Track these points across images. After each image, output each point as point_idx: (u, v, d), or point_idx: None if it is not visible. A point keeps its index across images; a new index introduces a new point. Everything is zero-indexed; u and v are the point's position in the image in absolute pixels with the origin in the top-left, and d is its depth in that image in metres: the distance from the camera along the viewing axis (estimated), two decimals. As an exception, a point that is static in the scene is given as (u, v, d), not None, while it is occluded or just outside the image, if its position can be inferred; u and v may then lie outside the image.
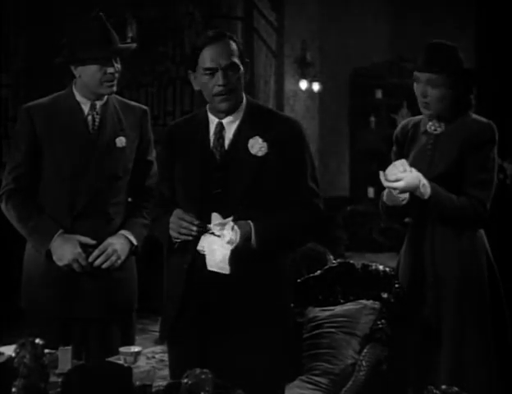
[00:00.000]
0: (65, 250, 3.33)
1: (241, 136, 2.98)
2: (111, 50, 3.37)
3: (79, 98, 3.43)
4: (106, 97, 3.43)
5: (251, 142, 2.95)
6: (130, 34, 7.45)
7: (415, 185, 3.15)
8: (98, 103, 3.43)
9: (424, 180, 3.17)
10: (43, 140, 3.41)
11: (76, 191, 3.39)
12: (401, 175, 3.14)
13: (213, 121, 3.02)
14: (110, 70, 3.35)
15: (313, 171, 3.05)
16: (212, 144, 3.01)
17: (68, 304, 3.39)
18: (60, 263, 3.34)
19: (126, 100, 3.58)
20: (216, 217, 2.91)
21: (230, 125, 3.01)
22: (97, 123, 3.42)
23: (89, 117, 3.42)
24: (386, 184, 3.15)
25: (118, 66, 3.39)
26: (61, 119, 3.42)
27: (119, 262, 3.39)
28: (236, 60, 2.95)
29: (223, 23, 8.70)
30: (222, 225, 2.88)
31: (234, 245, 2.86)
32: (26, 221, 3.40)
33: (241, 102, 3.02)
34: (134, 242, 3.45)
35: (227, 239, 2.88)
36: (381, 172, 3.14)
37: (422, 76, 3.31)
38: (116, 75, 3.38)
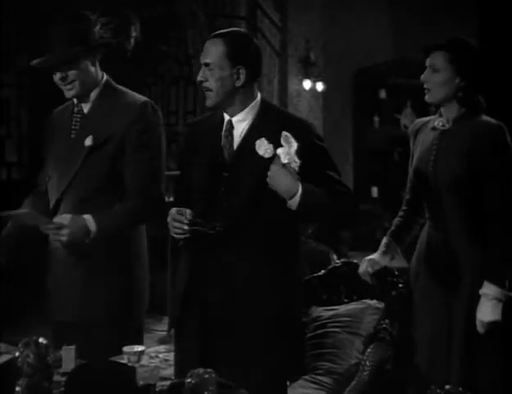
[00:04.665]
0: None
1: (250, 136, 2.99)
2: (43, 61, 3.33)
3: (74, 99, 3.45)
4: (92, 96, 3.39)
5: (257, 143, 2.94)
6: (133, 34, 7.43)
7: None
8: (83, 104, 3.40)
9: None
10: (46, 143, 3.49)
11: (59, 190, 3.36)
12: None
13: (226, 118, 3.05)
14: (56, 77, 3.34)
15: (335, 167, 3.03)
16: (222, 142, 3.03)
17: (54, 308, 3.39)
18: None
19: (129, 95, 3.43)
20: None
21: (240, 125, 3.02)
22: (78, 123, 3.40)
23: (73, 116, 3.42)
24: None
25: (66, 73, 3.32)
26: (59, 120, 3.48)
27: (63, 238, 3.20)
28: (213, 60, 2.97)
29: (226, 23, 8.69)
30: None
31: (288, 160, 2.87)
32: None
33: (237, 100, 3.01)
34: (91, 228, 3.21)
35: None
36: None
37: (427, 63, 3.32)
38: (66, 81, 3.32)
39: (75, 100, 3.42)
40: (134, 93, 3.44)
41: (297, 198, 2.86)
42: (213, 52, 2.98)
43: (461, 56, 3.28)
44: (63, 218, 3.20)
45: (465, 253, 3.26)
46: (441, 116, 3.37)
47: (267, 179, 2.88)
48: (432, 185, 3.32)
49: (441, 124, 3.35)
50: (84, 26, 3.36)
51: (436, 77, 3.29)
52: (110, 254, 3.30)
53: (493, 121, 3.29)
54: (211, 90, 3.00)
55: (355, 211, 3.06)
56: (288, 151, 2.87)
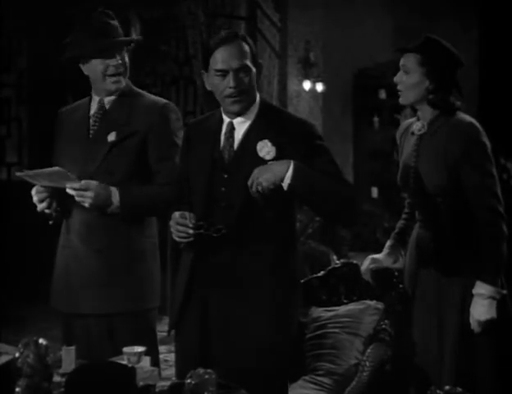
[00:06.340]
0: None
1: (251, 138, 2.98)
2: (106, 42, 3.31)
3: (94, 96, 3.45)
4: (117, 93, 3.41)
5: (260, 145, 2.94)
6: (133, 34, 7.45)
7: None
8: (107, 99, 3.41)
9: None
10: (57, 139, 3.50)
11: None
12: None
13: (226, 120, 3.04)
14: (112, 62, 3.32)
15: (335, 164, 3.00)
16: (222, 144, 3.02)
17: (66, 300, 3.41)
18: None
19: (150, 96, 3.48)
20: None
21: (241, 126, 3.01)
22: (98, 120, 3.41)
23: (93, 111, 3.43)
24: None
25: (122, 59, 3.34)
26: (74, 117, 3.48)
27: (87, 201, 3.25)
28: (248, 62, 2.95)
29: (226, 23, 8.70)
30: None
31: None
32: None
33: (253, 102, 3.02)
34: (114, 200, 3.28)
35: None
36: None
37: (400, 64, 3.32)
38: (121, 68, 3.34)
39: (96, 98, 3.42)
40: (153, 96, 3.50)
41: (290, 171, 2.83)
42: (245, 53, 2.95)
43: (431, 59, 3.26)
44: (90, 183, 3.24)
45: (454, 252, 3.27)
46: (418, 119, 3.38)
47: (254, 178, 2.85)
48: (416, 190, 3.33)
49: (417, 128, 3.36)
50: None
51: (408, 79, 3.29)
52: (126, 245, 3.36)
53: (466, 119, 3.27)
54: (246, 93, 2.96)
55: (355, 201, 3.00)
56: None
